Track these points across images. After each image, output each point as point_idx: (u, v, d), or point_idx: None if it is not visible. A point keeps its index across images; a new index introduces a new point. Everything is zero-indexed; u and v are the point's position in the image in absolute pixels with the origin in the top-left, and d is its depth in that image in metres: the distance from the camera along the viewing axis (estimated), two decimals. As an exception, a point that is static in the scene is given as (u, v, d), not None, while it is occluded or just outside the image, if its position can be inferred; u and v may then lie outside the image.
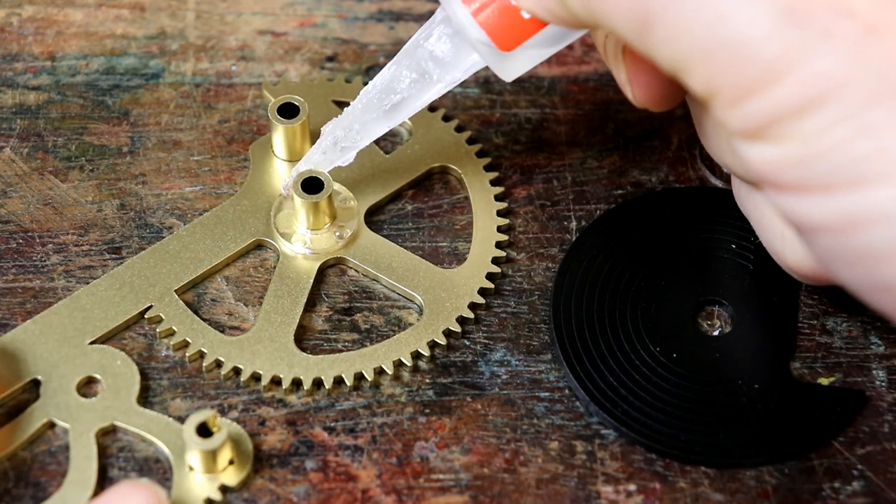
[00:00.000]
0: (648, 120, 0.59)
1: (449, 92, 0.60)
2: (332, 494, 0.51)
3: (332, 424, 0.52)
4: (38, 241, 0.56)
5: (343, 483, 0.51)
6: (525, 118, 0.59)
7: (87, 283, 0.54)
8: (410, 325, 0.54)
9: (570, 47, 0.61)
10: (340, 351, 0.54)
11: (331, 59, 0.61)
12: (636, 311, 0.54)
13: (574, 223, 0.57)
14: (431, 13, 0.62)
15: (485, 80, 0.60)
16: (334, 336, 0.54)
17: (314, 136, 0.57)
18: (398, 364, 0.53)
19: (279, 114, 0.56)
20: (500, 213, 0.57)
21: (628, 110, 0.59)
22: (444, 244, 0.56)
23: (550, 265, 0.56)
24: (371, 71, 0.60)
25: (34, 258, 0.55)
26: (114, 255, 0.55)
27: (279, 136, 0.57)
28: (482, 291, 0.55)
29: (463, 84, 0.60)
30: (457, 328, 0.54)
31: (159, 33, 0.61)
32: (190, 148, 0.58)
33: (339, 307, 0.55)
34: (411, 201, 0.57)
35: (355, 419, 0.52)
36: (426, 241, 0.56)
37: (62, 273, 0.55)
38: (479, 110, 0.59)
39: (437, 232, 0.57)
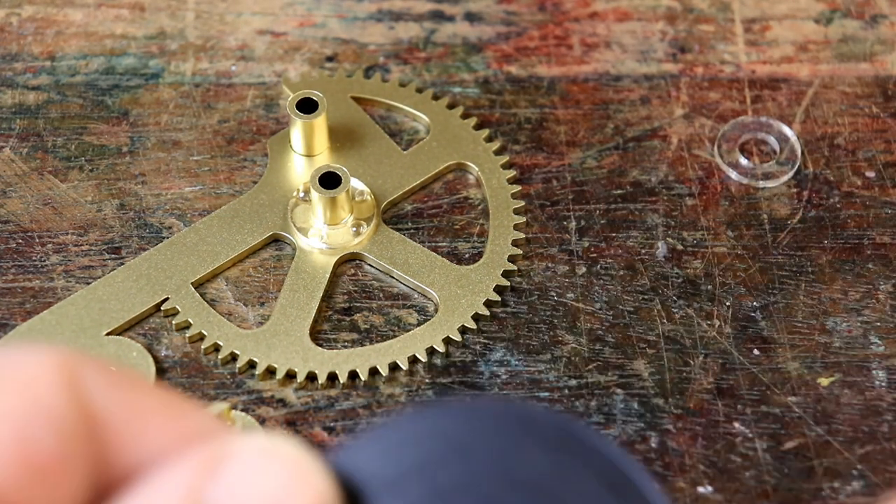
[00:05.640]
0: (648, 120, 0.59)
1: (448, 91, 0.60)
2: (332, 494, 0.51)
3: (332, 424, 0.52)
4: (37, 241, 0.56)
5: (342, 483, 0.51)
6: (524, 118, 0.59)
7: (87, 284, 0.54)
8: (411, 325, 0.54)
9: (569, 47, 0.61)
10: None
11: (330, 58, 0.61)
12: None
13: (574, 223, 0.57)
14: (432, 13, 0.62)
15: (484, 80, 0.60)
16: (333, 336, 0.54)
17: (332, 132, 0.57)
18: (413, 360, 0.53)
19: (298, 108, 0.56)
20: (516, 212, 0.57)
21: (628, 110, 0.59)
22: (444, 244, 0.56)
23: (549, 265, 0.56)
24: (371, 71, 0.60)
25: (34, 258, 0.55)
26: (113, 255, 0.55)
27: (297, 130, 0.57)
28: (498, 289, 0.55)
29: (462, 84, 0.60)
30: (472, 325, 0.54)
31: (159, 33, 0.61)
32: (189, 148, 0.58)
33: (339, 307, 0.55)
34: (410, 201, 0.57)
35: (355, 419, 0.52)
36: (425, 241, 0.56)
37: (62, 273, 0.55)
38: (479, 110, 0.59)
39: (436, 232, 0.57)
